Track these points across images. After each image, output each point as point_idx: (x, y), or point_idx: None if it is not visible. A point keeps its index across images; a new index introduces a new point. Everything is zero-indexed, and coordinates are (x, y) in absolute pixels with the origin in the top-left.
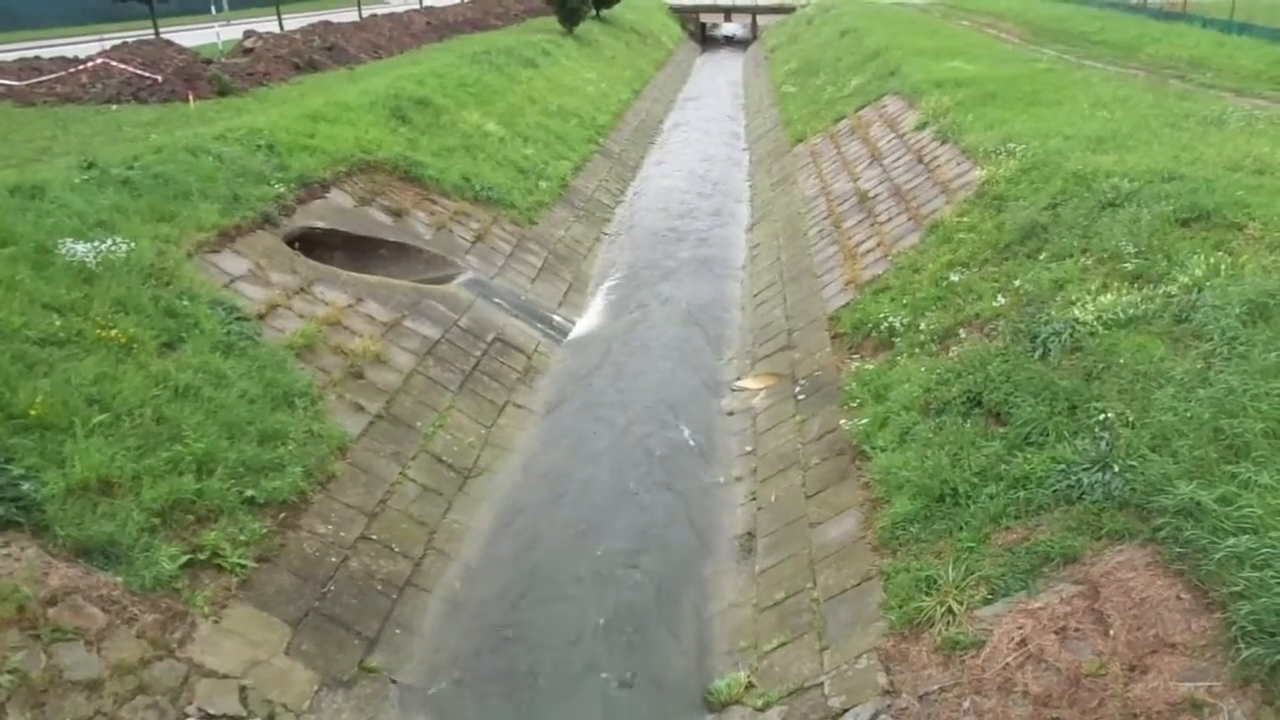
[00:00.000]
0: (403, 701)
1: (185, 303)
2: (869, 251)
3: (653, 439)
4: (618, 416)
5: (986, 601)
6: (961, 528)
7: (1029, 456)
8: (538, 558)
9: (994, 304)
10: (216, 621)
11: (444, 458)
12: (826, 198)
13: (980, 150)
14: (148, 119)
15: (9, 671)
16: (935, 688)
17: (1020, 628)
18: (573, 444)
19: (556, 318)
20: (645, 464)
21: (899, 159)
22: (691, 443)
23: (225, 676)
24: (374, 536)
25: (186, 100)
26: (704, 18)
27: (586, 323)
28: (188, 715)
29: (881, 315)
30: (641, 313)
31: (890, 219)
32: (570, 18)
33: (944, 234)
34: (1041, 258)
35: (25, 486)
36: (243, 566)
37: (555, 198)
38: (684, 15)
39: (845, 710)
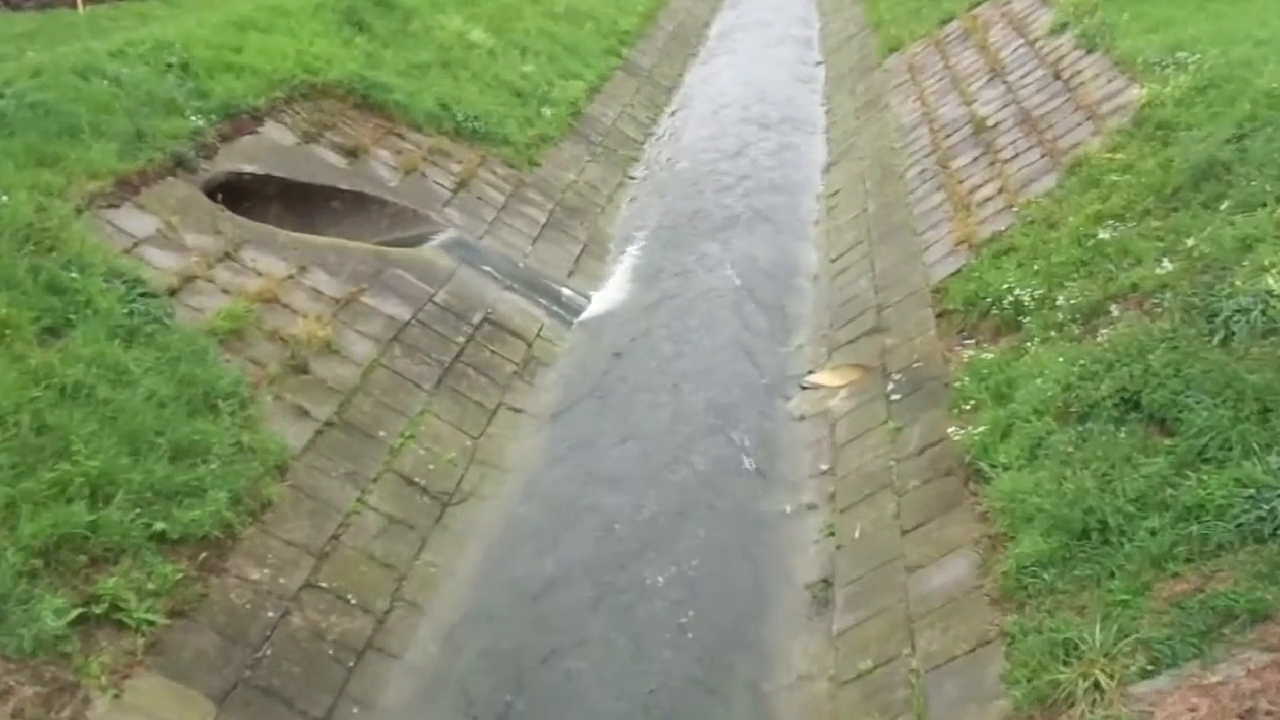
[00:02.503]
0: None
1: (73, 274)
2: (988, 200)
3: (696, 454)
4: (648, 424)
5: (1146, 674)
6: (1112, 574)
7: (1205, 478)
8: (542, 614)
9: (1158, 271)
10: (117, 695)
11: (416, 479)
12: (930, 128)
13: (1139, 62)
14: (22, 30)
15: None
16: None
17: (1192, 710)
18: (588, 461)
19: (566, 291)
20: (685, 488)
21: (1028, 74)
22: (748, 459)
23: None
24: (323, 584)
25: (74, 5)
26: None
27: (606, 298)
28: None
29: (1005, 286)
30: (680, 284)
31: (1016, 155)
32: None
33: (1089, 175)
34: (1223, 208)
35: None
36: (151, 623)
37: (564, 130)
38: None
39: None
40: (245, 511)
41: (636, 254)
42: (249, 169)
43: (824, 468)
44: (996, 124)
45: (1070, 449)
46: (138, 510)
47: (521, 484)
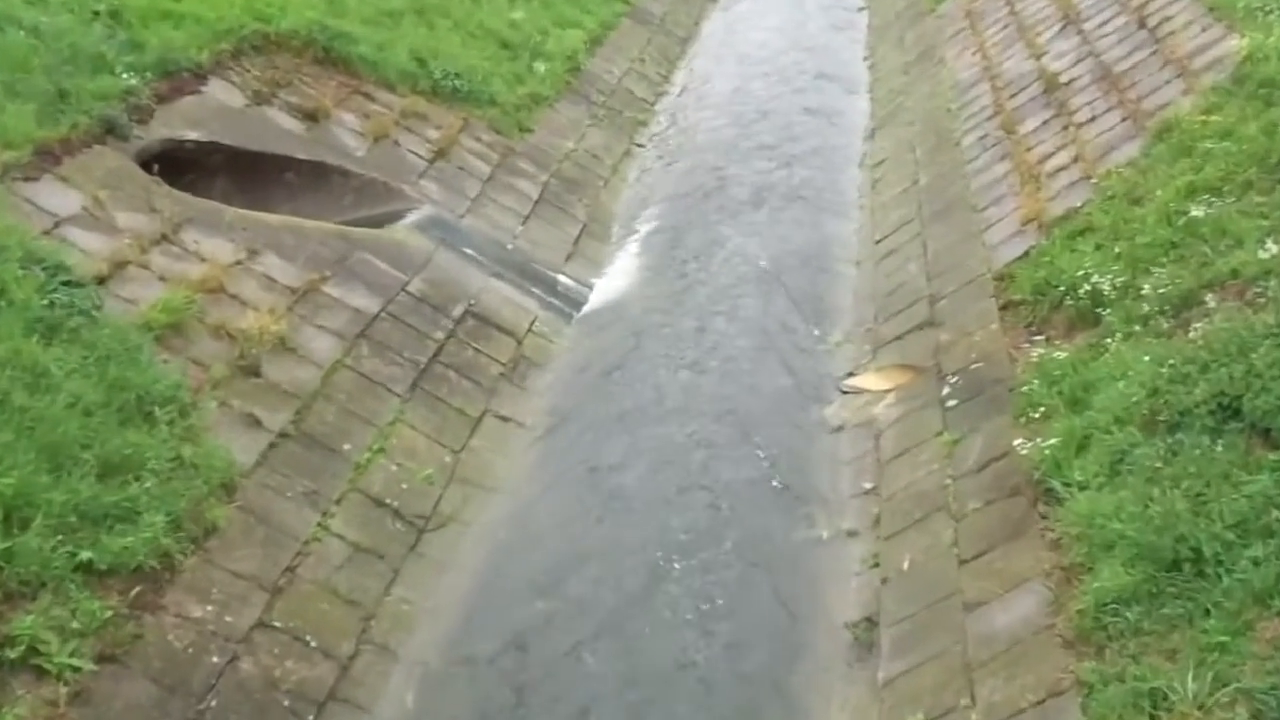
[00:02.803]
0: None
1: None
2: (1060, 171)
3: (716, 472)
4: (661, 436)
5: None
6: (1208, 612)
7: None
8: (534, 661)
9: (1261, 255)
10: None
11: (386, 500)
12: (992, 85)
13: (1239, 7)
14: None
15: None
16: None
17: None
18: (589, 480)
19: (563, 279)
20: (704, 513)
21: (1108, 22)
22: (777, 477)
23: None
24: (278, 623)
25: None
26: None
27: (610, 287)
28: None
29: (1080, 272)
30: (697, 271)
31: (1094, 118)
32: None
33: (1180, 142)
34: None
35: None
36: (75, 669)
37: (560, 89)
38: None
39: None
40: (186, 538)
41: (646, 235)
42: (190, 136)
43: (867, 487)
44: (1070, 81)
45: (1158, 464)
46: (59, 537)
47: (510, 507)
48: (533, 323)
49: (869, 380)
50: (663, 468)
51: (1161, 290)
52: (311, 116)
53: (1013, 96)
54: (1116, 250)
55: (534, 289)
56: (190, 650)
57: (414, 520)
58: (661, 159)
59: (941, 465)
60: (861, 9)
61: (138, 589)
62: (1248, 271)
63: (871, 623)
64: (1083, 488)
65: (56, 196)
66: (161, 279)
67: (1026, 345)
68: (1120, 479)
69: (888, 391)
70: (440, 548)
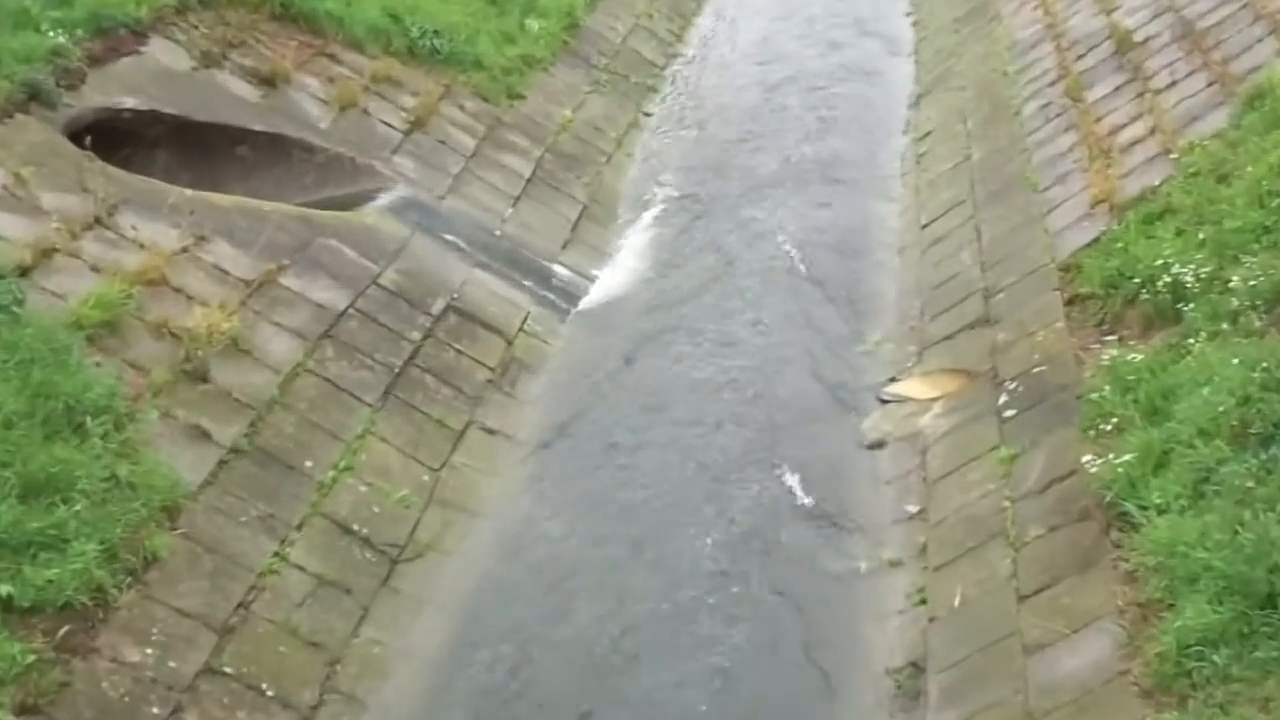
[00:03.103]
0: None
1: None
2: (1135, 144)
3: (736, 494)
4: (672, 452)
5: None
6: None
7: None
8: (526, 716)
9: None
10: None
11: (354, 525)
12: (1056, 45)
13: None
14: None
15: None
16: None
17: None
18: (588, 504)
19: (559, 270)
20: (723, 541)
21: None
22: (807, 500)
23: None
24: (228, 669)
25: None
26: None
27: (614, 280)
28: None
29: (1159, 261)
30: (715, 261)
31: (1174, 83)
32: None
33: (1275, 110)
34: None
35: None
36: None
37: (556, 49)
38: None
39: None
40: (122, 570)
41: (655, 219)
42: (128, 103)
43: (911, 510)
44: (1147, 39)
45: (1249, 484)
46: None
47: (498, 534)
48: (524, 320)
49: (913, 387)
50: (675, 489)
51: (1253, 283)
52: (268, 81)
53: (1080, 58)
54: (1201, 236)
55: (525, 281)
56: (127, 700)
57: (386, 549)
58: (674, 129)
59: (998, 485)
60: None
61: (66, 629)
62: None
63: (917, 668)
64: (1162, 511)
65: None
66: (94, 269)
67: (1096, 346)
68: (1206, 501)
69: (935, 400)
70: (417, 581)
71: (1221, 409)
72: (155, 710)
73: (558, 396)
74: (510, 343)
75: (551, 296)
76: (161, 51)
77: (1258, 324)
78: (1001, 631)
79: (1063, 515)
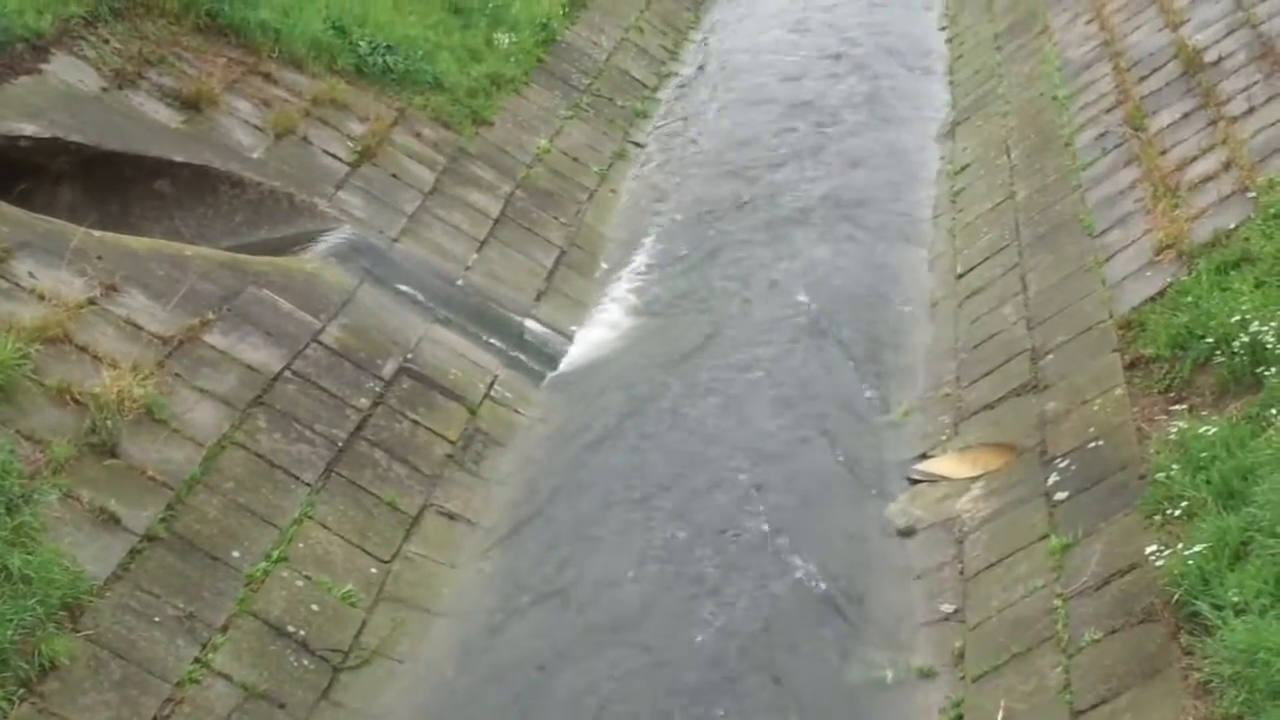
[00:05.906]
0: None
1: None
2: (1207, 180)
3: (741, 590)
4: (660, 542)
5: None
6: None
7: None
8: None
9: None
10: None
11: (290, 627)
12: (1113, 66)
13: None
14: None
15: None
16: None
17: None
18: (561, 603)
19: (532, 326)
20: (724, 646)
21: None
22: (824, 598)
23: None
24: None
25: None
26: None
27: (595, 337)
28: None
29: (1235, 318)
30: (715, 315)
31: (1252, 109)
32: None
33: None
34: None
35: None
36: None
37: (529, 68)
38: None
39: None
40: (14, 679)
41: (645, 267)
42: (26, 130)
43: (946, 610)
44: (1220, 59)
45: None
46: None
47: (457, 638)
48: (491, 385)
49: (948, 465)
50: (667, 584)
51: None
52: (192, 104)
53: (1142, 80)
54: None
55: (492, 339)
56: None
57: (327, 655)
58: (668, 162)
59: (1048, 581)
60: None
61: None
62: None
63: None
64: (1240, 611)
65: None
66: None
67: (1163, 417)
68: None
69: (973, 480)
70: (362, 693)
71: None
72: None
73: (529, 476)
74: (474, 412)
75: (523, 357)
76: (66, 69)
77: None
78: None
79: (1124, 616)
